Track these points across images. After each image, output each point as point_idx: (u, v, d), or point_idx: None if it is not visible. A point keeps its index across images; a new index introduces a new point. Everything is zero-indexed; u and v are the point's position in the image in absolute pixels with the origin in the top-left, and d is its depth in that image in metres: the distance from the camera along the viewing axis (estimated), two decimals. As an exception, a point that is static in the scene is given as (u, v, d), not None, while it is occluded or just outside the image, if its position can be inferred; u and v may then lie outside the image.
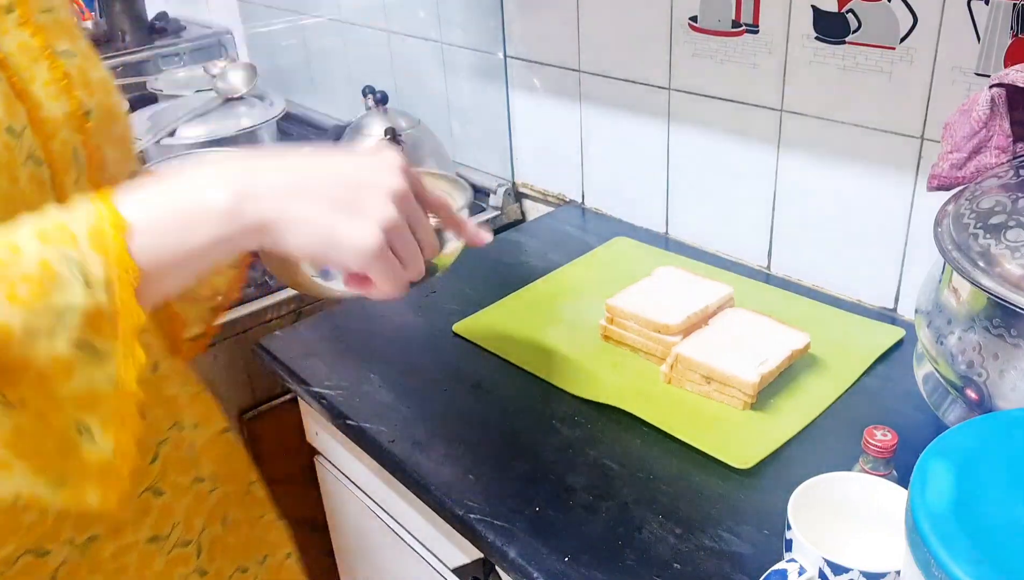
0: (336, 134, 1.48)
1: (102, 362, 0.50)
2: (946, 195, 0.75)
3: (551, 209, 1.43)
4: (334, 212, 0.54)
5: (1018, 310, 0.61)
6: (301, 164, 0.56)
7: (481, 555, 0.82)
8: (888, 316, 1.04)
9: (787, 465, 0.80)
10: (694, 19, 1.10)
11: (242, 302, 1.20)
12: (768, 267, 1.16)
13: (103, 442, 0.52)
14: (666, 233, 1.28)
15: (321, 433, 1.09)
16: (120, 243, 0.50)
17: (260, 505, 0.90)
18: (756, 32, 1.04)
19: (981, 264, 0.64)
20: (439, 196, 0.62)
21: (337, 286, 0.73)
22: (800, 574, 0.61)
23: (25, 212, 0.55)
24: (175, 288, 0.55)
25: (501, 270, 1.21)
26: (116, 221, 0.50)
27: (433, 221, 0.75)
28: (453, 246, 0.74)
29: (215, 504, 0.82)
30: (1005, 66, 0.84)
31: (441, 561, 0.93)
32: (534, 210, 1.48)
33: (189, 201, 0.53)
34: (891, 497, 0.65)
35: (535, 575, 0.71)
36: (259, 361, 1.07)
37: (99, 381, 0.50)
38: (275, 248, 0.55)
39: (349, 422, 0.91)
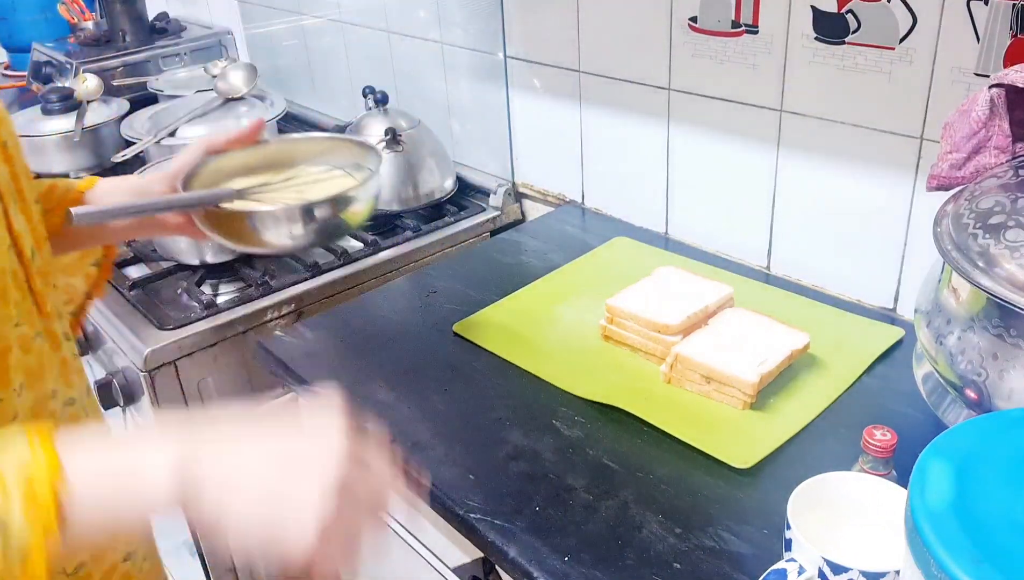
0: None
1: None
2: (945, 195, 0.75)
3: (551, 209, 1.43)
4: (271, 509, 0.51)
5: (1018, 310, 0.61)
6: (244, 451, 0.53)
7: (481, 554, 0.82)
8: (888, 316, 1.04)
9: (787, 465, 0.80)
10: (694, 19, 1.10)
11: (242, 302, 1.21)
12: (768, 267, 1.16)
13: None
14: (666, 233, 1.28)
15: (321, 433, 1.09)
16: (49, 513, 0.47)
17: None
18: (756, 32, 1.04)
19: (980, 264, 0.64)
20: (381, 466, 0.57)
21: (263, 235, 0.83)
22: (800, 574, 0.61)
23: None
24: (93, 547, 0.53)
25: (501, 270, 1.21)
26: (52, 487, 0.48)
27: (341, 183, 0.87)
28: (360, 205, 0.84)
29: None
30: (1004, 66, 0.84)
31: (441, 561, 0.93)
32: (534, 210, 1.48)
33: (131, 484, 0.51)
34: (891, 497, 0.65)
35: (535, 574, 0.71)
36: (259, 361, 1.07)
37: None
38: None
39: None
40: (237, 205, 0.84)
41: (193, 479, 0.51)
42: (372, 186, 0.88)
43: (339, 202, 0.84)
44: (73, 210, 0.74)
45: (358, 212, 0.86)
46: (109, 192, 0.85)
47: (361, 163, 0.94)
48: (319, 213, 0.83)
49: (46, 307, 0.67)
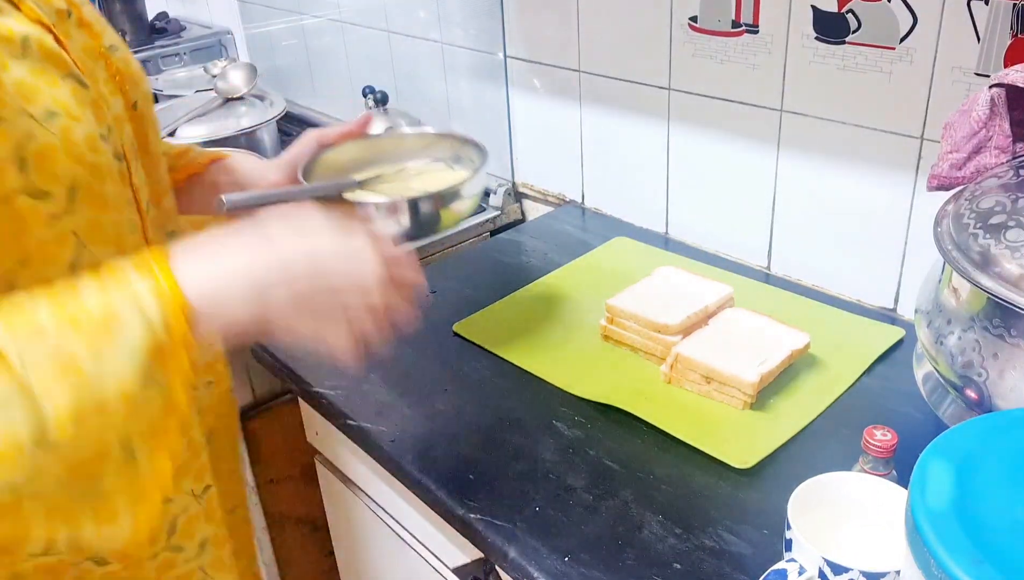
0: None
1: (161, 391, 0.54)
2: (946, 195, 0.75)
3: (551, 209, 1.43)
4: (319, 322, 0.61)
5: (1018, 310, 0.61)
6: (300, 272, 0.60)
7: (481, 555, 0.82)
8: (888, 316, 1.04)
9: (787, 465, 0.80)
10: (694, 19, 1.10)
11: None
12: (768, 267, 1.16)
13: (146, 465, 0.54)
14: (666, 233, 1.28)
15: (321, 433, 1.09)
16: (176, 292, 0.55)
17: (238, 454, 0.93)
18: (756, 32, 1.04)
19: (981, 264, 0.64)
20: (412, 276, 0.67)
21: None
22: (800, 574, 0.61)
23: (113, 209, 0.62)
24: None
25: (501, 270, 1.21)
26: (171, 281, 0.55)
27: (446, 180, 0.89)
28: (463, 204, 0.87)
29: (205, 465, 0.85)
30: (1005, 66, 0.84)
31: (441, 561, 0.93)
32: (534, 210, 1.48)
33: (219, 305, 0.57)
34: (891, 497, 0.65)
35: (535, 575, 0.71)
36: (259, 361, 1.06)
37: (155, 408, 0.54)
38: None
39: (349, 422, 0.91)
40: (357, 195, 0.89)
41: (263, 310, 0.59)
42: (478, 182, 0.91)
43: (446, 196, 0.88)
44: (225, 197, 0.79)
45: (457, 209, 0.89)
46: (229, 170, 0.89)
47: (461, 155, 0.98)
48: (426, 207, 0.86)
49: None
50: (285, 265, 0.60)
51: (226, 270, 0.58)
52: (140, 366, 0.52)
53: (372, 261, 0.62)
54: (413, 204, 0.86)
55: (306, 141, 0.92)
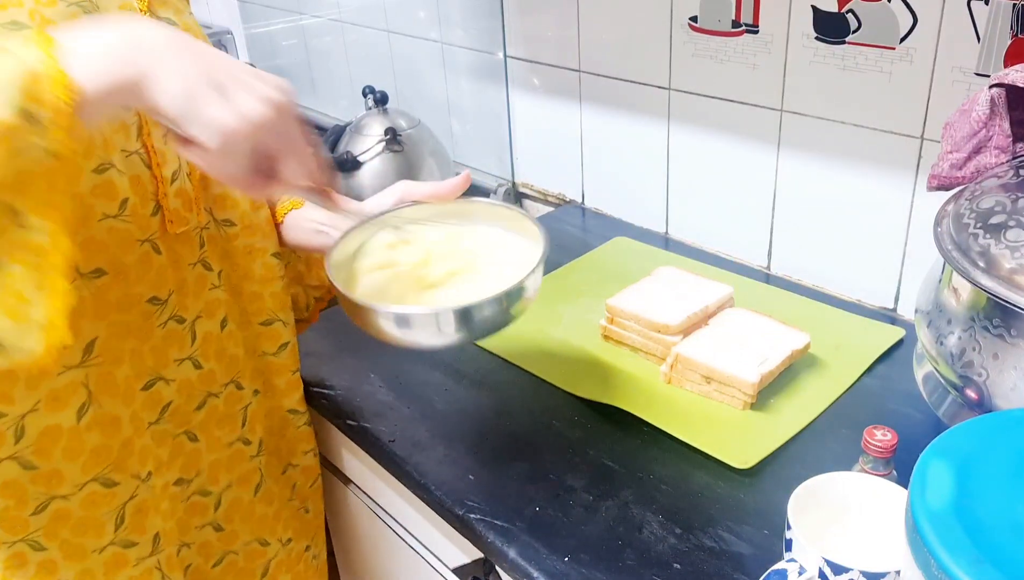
0: (336, 134, 1.48)
1: (40, 129, 0.51)
2: (946, 195, 0.75)
3: (551, 209, 1.43)
4: (205, 85, 0.55)
5: (1018, 310, 0.61)
6: (194, 44, 0.57)
7: (481, 555, 0.82)
8: (888, 316, 1.04)
9: (787, 465, 0.80)
10: (694, 19, 1.10)
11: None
12: (768, 267, 1.16)
13: (36, 224, 0.51)
14: (666, 233, 1.28)
15: (321, 433, 1.09)
16: (49, 41, 0.53)
17: (295, 491, 0.95)
18: (756, 32, 1.04)
19: (981, 264, 0.64)
20: (312, 137, 0.63)
21: (410, 336, 0.74)
22: (800, 574, 0.61)
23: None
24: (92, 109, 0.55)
25: (501, 270, 1.21)
26: (47, 38, 0.53)
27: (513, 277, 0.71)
28: (531, 292, 0.74)
29: (251, 470, 0.87)
30: (1005, 66, 0.84)
31: (441, 561, 0.93)
32: (534, 210, 1.48)
33: (94, 37, 0.55)
34: (891, 497, 0.65)
35: (535, 575, 0.71)
36: (259, 361, 1.06)
37: (35, 151, 0.51)
38: (145, 105, 0.55)
39: (349, 422, 0.91)
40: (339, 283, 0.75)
41: (138, 37, 0.55)
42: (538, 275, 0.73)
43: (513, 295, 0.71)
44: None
45: (529, 297, 0.73)
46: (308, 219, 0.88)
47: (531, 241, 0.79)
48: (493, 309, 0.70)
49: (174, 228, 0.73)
50: (169, 31, 0.57)
51: (99, 23, 0.56)
52: (11, 97, 0.49)
53: (279, 81, 0.59)
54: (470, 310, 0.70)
55: (390, 193, 0.85)
